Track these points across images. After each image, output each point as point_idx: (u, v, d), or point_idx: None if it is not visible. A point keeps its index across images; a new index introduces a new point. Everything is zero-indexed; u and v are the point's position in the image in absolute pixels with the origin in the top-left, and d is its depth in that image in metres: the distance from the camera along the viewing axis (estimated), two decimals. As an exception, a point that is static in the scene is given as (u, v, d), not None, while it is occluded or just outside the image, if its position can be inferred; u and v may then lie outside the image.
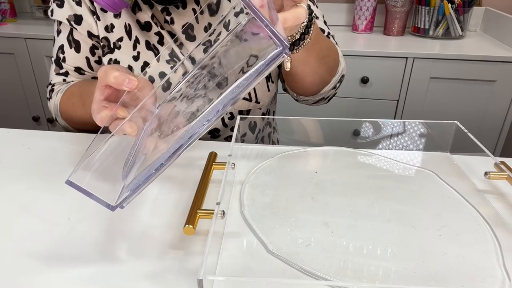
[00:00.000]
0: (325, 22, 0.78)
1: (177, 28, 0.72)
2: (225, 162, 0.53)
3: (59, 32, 0.75)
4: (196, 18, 0.71)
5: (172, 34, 0.72)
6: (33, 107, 1.77)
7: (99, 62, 0.76)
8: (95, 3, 0.71)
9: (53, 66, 0.77)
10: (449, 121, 0.65)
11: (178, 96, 0.50)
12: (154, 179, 0.42)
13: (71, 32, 0.74)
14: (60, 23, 0.75)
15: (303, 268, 0.42)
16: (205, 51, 0.70)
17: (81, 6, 0.71)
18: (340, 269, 0.42)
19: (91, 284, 0.41)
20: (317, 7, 0.78)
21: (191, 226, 0.42)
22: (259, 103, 0.76)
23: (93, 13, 0.72)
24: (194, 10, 0.71)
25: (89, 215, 0.51)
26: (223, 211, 0.42)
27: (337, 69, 0.74)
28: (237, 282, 0.42)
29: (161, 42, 0.72)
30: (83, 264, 0.43)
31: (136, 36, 0.72)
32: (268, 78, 0.76)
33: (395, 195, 0.55)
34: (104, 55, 0.74)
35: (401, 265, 0.43)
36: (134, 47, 0.72)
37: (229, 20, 0.72)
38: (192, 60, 0.72)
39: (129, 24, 0.71)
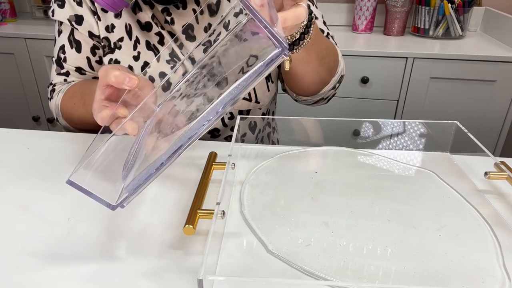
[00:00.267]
0: (324, 23, 0.78)
1: (178, 28, 0.72)
2: (225, 162, 0.53)
3: (60, 32, 0.75)
4: (196, 19, 0.72)
5: (172, 34, 0.72)
6: (33, 107, 1.77)
7: (100, 62, 0.76)
8: (95, 3, 0.71)
9: (54, 66, 0.77)
10: (449, 121, 0.65)
11: (178, 95, 0.50)
12: (154, 178, 0.42)
13: (72, 32, 0.74)
14: (61, 23, 0.75)
15: (303, 268, 0.42)
16: (205, 51, 0.70)
17: (82, 6, 0.72)
18: (340, 269, 0.42)
19: (91, 283, 0.41)
20: (316, 8, 0.78)
21: (191, 226, 0.42)
22: (259, 103, 0.76)
23: (94, 13, 0.72)
24: (194, 11, 0.71)
25: (89, 214, 0.51)
26: (223, 211, 0.42)
27: (337, 69, 0.74)
28: (237, 282, 0.42)
29: (161, 42, 0.72)
30: (83, 264, 0.43)
31: (136, 36, 0.72)
32: (268, 78, 0.76)
33: (395, 195, 0.55)
34: (104, 55, 0.74)
35: (401, 265, 0.43)
36: (135, 47, 0.72)
37: (228, 20, 0.72)
38: (192, 60, 0.72)
39: (129, 24, 0.71)
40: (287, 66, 0.57)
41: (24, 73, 1.69)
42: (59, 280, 0.41)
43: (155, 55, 0.72)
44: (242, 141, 0.82)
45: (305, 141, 0.71)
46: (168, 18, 0.71)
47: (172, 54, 0.72)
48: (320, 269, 0.42)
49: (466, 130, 0.62)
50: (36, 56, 1.65)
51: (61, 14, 0.72)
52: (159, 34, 0.72)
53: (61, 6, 0.72)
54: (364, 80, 1.45)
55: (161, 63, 0.72)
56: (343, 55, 0.77)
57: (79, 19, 0.72)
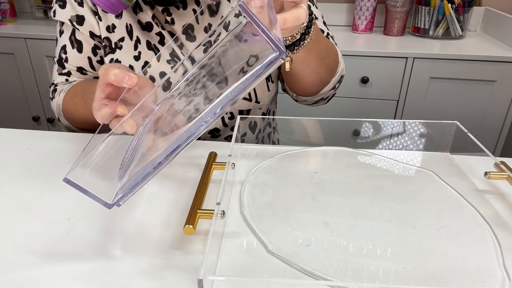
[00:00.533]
0: (324, 23, 0.78)
1: (178, 28, 0.72)
2: (225, 162, 0.53)
3: (61, 32, 0.75)
4: (196, 19, 0.72)
5: (173, 35, 0.72)
6: (33, 107, 1.77)
7: (101, 62, 0.77)
8: None
9: (56, 66, 0.77)
10: (449, 121, 0.65)
11: (177, 94, 0.50)
12: (151, 177, 0.42)
13: (73, 33, 0.74)
14: (62, 23, 0.75)
15: (303, 268, 0.42)
16: (205, 51, 0.70)
17: (83, 6, 0.72)
18: (340, 269, 0.42)
19: (91, 282, 0.41)
20: (316, 8, 0.78)
21: (191, 226, 0.42)
22: (259, 103, 0.76)
23: (95, 13, 0.72)
24: (194, 11, 0.71)
25: (89, 214, 0.51)
26: (223, 211, 0.42)
27: (337, 70, 0.74)
28: (237, 282, 0.42)
29: (162, 42, 0.72)
30: (83, 263, 0.43)
31: (137, 36, 0.72)
32: (268, 78, 0.77)
33: (395, 195, 0.55)
34: (105, 55, 0.74)
35: (401, 265, 0.43)
36: (135, 47, 0.72)
37: (229, 21, 0.72)
38: (192, 60, 0.72)
39: (130, 25, 0.71)
40: (287, 67, 0.57)
41: (24, 73, 1.69)
42: (59, 280, 0.41)
43: (156, 55, 0.72)
44: (242, 141, 0.82)
45: (305, 141, 0.71)
46: (169, 18, 0.71)
47: (173, 54, 0.72)
48: (320, 269, 0.42)
49: (466, 130, 0.62)
50: (36, 56, 1.65)
51: (63, 15, 0.73)
52: (159, 34, 0.72)
53: (62, 6, 0.72)
54: (364, 80, 1.45)
55: (162, 63, 0.72)
56: (343, 55, 0.77)
57: (80, 19, 0.72)
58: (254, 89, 0.75)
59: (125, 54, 0.72)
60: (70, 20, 0.72)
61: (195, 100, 0.46)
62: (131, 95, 0.51)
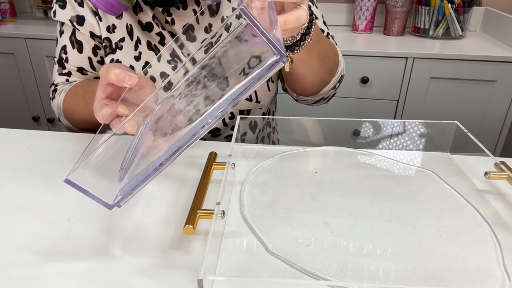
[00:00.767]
0: (324, 23, 0.78)
1: (178, 28, 0.72)
2: (225, 162, 0.53)
3: (61, 32, 0.75)
4: (197, 19, 0.72)
5: (173, 35, 0.72)
6: (33, 107, 1.77)
7: (101, 62, 0.77)
8: None
9: (56, 66, 0.77)
10: (449, 121, 0.65)
11: (178, 94, 0.50)
12: (152, 179, 0.42)
13: (73, 33, 0.74)
14: (62, 24, 0.75)
15: (303, 268, 0.42)
16: (206, 52, 0.70)
17: (83, 7, 0.72)
18: (340, 269, 0.42)
19: (91, 282, 0.41)
20: (316, 8, 0.78)
21: (191, 226, 0.42)
22: (259, 102, 0.76)
23: (95, 13, 0.72)
24: (194, 11, 0.71)
25: (89, 214, 0.51)
26: (223, 211, 0.42)
27: (337, 69, 0.74)
28: (237, 282, 0.42)
29: (162, 42, 0.72)
30: (82, 263, 0.43)
31: (137, 37, 0.72)
32: (268, 78, 0.77)
33: (395, 195, 0.55)
34: (106, 55, 0.74)
35: (401, 265, 0.43)
36: (136, 48, 0.72)
37: (230, 23, 0.72)
38: (193, 61, 0.72)
39: (130, 25, 0.71)
40: (287, 67, 0.57)
41: (24, 73, 1.69)
42: (59, 279, 0.41)
43: (156, 55, 0.72)
44: (243, 141, 0.82)
45: (305, 141, 0.71)
46: (169, 19, 0.71)
47: (173, 54, 0.72)
48: (320, 269, 0.42)
49: (466, 130, 0.62)
50: (36, 56, 1.65)
51: (63, 15, 0.73)
52: (160, 34, 0.72)
53: (63, 6, 0.72)
54: (364, 80, 1.45)
55: (162, 63, 0.72)
56: (343, 55, 0.77)
57: (80, 20, 0.72)
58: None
59: (126, 54, 0.72)
60: (70, 21, 0.72)
61: (196, 101, 0.46)
62: (132, 95, 0.51)
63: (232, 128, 0.80)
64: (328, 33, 0.77)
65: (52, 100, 0.79)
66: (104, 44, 0.74)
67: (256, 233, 0.48)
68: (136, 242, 0.47)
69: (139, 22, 0.71)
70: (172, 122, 0.48)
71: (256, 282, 0.42)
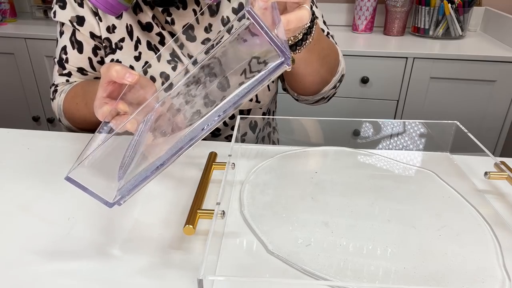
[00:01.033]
0: (324, 22, 0.78)
1: (178, 28, 0.72)
2: (225, 162, 0.53)
3: (61, 33, 0.75)
4: (197, 19, 0.72)
5: (173, 35, 0.72)
6: (33, 107, 1.77)
7: (101, 62, 0.77)
8: None
9: (56, 67, 0.77)
10: (449, 121, 0.65)
11: (177, 94, 0.50)
12: (152, 178, 0.42)
13: (73, 33, 0.74)
14: (62, 24, 0.75)
15: (303, 268, 0.42)
16: (207, 52, 0.70)
17: (83, 7, 0.72)
18: (340, 269, 0.42)
19: (90, 281, 0.41)
20: (316, 7, 0.78)
21: (191, 226, 0.42)
22: (259, 102, 0.76)
23: (95, 14, 0.72)
24: (194, 11, 0.71)
25: (89, 214, 0.51)
26: (223, 211, 0.42)
27: (337, 69, 0.74)
28: (237, 282, 0.42)
29: (162, 42, 0.72)
30: (82, 262, 0.43)
31: (137, 37, 0.72)
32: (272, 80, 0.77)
33: (395, 195, 0.55)
34: (106, 55, 0.74)
35: (401, 265, 0.43)
36: (136, 48, 0.72)
37: (232, 25, 0.72)
38: (194, 61, 0.72)
39: (130, 25, 0.71)
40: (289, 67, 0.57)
41: (24, 73, 1.69)
42: (59, 279, 0.41)
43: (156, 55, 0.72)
44: (243, 141, 0.82)
45: (305, 141, 0.71)
46: (169, 19, 0.71)
47: (173, 54, 0.72)
48: (320, 269, 0.42)
49: (466, 130, 0.62)
50: (36, 56, 1.65)
51: (63, 15, 0.73)
52: (159, 34, 0.72)
53: (63, 7, 0.72)
54: (364, 80, 1.45)
55: (162, 63, 0.72)
56: (343, 55, 0.77)
57: (80, 20, 0.72)
58: (255, 89, 0.75)
59: (126, 54, 0.72)
60: (70, 21, 0.72)
61: (196, 101, 0.46)
62: (132, 94, 0.51)
63: (232, 128, 0.80)
64: (328, 33, 0.77)
65: (53, 100, 0.79)
66: (104, 45, 0.74)
67: (256, 233, 0.48)
68: (136, 242, 0.47)
69: (139, 22, 0.71)
70: (172, 121, 0.48)
71: (256, 282, 0.42)
